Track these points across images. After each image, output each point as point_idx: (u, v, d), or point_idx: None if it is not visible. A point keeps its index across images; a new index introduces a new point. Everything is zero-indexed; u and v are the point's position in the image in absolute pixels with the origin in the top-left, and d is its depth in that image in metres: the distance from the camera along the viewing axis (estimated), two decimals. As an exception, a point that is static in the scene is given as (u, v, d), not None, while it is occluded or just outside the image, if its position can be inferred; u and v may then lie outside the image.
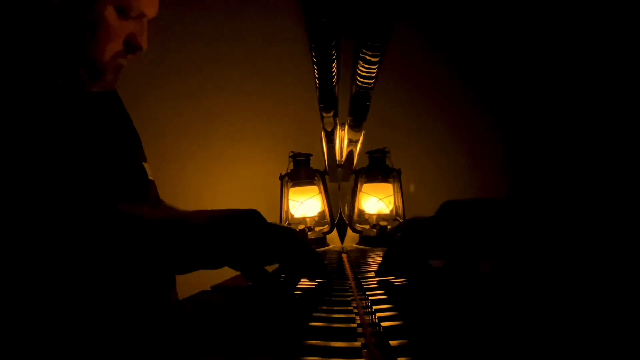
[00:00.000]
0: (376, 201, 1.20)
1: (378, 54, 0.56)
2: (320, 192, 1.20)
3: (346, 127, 0.89)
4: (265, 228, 0.51)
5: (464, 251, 0.48)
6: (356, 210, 1.20)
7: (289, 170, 1.22)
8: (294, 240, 0.52)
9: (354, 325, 0.36)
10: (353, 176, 1.21)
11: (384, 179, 1.20)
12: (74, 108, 0.68)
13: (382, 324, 0.33)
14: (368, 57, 0.56)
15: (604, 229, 0.41)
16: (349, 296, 0.49)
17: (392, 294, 0.46)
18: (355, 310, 0.42)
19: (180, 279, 0.71)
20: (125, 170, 0.74)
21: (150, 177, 0.79)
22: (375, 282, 0.55)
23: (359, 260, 0.86)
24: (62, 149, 0.62)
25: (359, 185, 1.20)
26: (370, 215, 1.19)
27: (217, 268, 0.50)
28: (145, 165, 0.80)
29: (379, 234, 1.12)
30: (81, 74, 0.65)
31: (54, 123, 0.62)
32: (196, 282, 0.60)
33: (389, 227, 1.13)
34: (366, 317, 0.40)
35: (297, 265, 0.52)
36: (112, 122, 0.77)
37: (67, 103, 0.67)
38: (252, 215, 0.50)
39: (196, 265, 0.49)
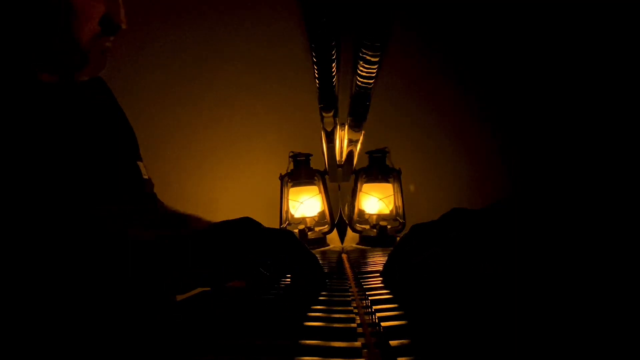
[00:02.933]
0: (376, 201, 1.20)
1: (378, 54, 0.56)
2: (320, 192, 1.20)
3: (346, 127, 0.89)
4: (260, 232, 0.51)
5: (464, 254, 0.48)
6: (356, 210, 1.20)
7: (289, 170, 1.22)
8: (290, 242, 0.52)
9: (354, 325, 0.36)
10: (353, 176, 1.21)
11: (384, 179, 1.20)
12: (61, 104, 0.67)
13: (382, 324, 0.33)
14: (368, 57, 0.56)
15: (603, 230, 0.41)
16: (349, 296, 0.49)
17: (396, 293, 0.46)
18: (355, 310, 0.42)
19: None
20: (117, 171, 0.73)
21: (145, 176, 0.78)
22: (375, 282, 0.55)
23: (359, 260, 0.86)
24: (47, 150, 0.60)
25: (359, 185, 1.20)
26: (370, 215, 1.19)
27: (219, 285, 0.50)
28: (140, 164, 0.79)
29: (379, 234, 1.12)
30: (67, 62, 0.64)
31: (38, 121, 0.61)
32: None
33: (389, 227, 1.13)
34: (366, 317, 0.40)
35: (294, 266, 0.51)
36: (102, 117, 0.75)
37: (53, 99, 0.66)
38: (245, 223, 0.51)
39: (197, 284, 0.49)
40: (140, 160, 0.81)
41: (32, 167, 0.57)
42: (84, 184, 0.63)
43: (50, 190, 0.58)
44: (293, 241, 0.52)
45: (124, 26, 0.67)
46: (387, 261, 0.55)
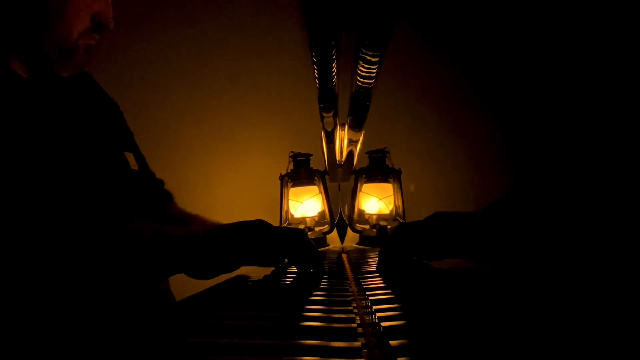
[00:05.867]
0: (376, 201, 1.20)
1: (378, 54, 0.55)
2: (320, 192, 1.20)
3: (346, 127, 0.89)
4: (273, 230, 0.54)
5: (443, 252, 0.53)
6: (356, 210, 1.20)
7: (289, 170, 1.22)
8: (300, 239, 0.55)
9: (354, 325, 0.36)
10: (353, 176, 1.21)
11: (384, 179, 1.20)
12: (36, 98, 0.67)
13: (382, 324, 0.33)
14: (368, 57, 0.56)
15: (603, 230, 0.41)
16: (349, 296, 0.49)
17: (396, 292, 0.46)
18: (355, 311, 0.42)
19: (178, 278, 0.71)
20: (100, 162, 0.72)
21: (134, 167, 0.78)
22: (375, 282, 0.55)
23: (359, 260, 0.86)
24: (23, 145, 0.60)
25: (359, 185, 1.20)
26: (370, 215, 1.19)
27: (234, 270, 0.54)
28: (128, 155, 0.78)
29: (379, 234, 1.12)
30: (50, 56, 0.65)
31: (9, 116, 0.61)
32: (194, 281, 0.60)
33: (389, 227, 1.13)
34: (366, 317, 0.40)
35: (301, 260, 0.54)
36: (84, 111, 0.75)
37: (27, 93, 0.65)
38: (260, 223, 0.54)
39: (217, 271, 0.53)
40: (131, 151, 0.79)
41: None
42: (60, 179, 0.63)
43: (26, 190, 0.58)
44: (300, 239, 0.55)
45: (112, 26, 0.68)
46: (381, 257, 0.58)
